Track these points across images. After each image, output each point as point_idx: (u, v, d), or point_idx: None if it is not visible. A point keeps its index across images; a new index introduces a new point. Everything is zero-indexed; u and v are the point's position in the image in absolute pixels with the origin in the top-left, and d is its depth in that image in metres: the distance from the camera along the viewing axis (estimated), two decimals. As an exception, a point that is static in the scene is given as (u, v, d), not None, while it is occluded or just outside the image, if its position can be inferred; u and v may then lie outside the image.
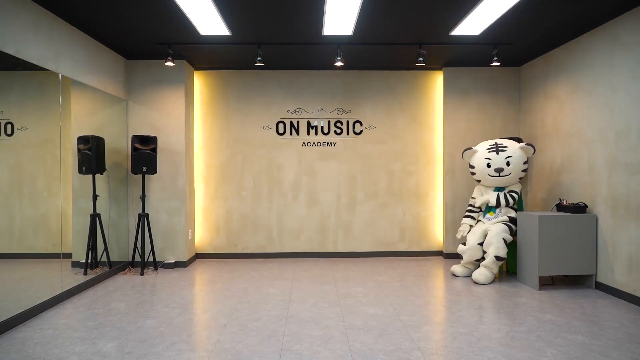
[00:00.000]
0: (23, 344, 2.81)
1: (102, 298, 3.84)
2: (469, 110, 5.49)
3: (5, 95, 3.31)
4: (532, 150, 4.40)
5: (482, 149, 4.61)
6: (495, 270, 4.32)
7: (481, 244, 4.40)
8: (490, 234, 4.31)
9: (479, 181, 4.72)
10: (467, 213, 4.79)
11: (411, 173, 5.62)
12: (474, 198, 4.79)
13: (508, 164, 4.43)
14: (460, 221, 5.43)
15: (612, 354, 2.63)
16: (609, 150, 3.89)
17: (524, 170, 4.51)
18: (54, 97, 3.71)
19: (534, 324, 3.15)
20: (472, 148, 4.65)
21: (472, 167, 4.67)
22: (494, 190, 4.62)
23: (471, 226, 4.71)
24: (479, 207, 4.75)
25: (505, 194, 4.51)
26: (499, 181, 4.52)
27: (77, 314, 3.40)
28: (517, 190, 4.56)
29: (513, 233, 4.42)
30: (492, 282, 4.33)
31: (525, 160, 4.47)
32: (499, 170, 4.44)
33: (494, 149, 4.50)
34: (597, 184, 4.05)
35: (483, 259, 4.54)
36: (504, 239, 4.25)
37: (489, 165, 4.50)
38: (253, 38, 4.37)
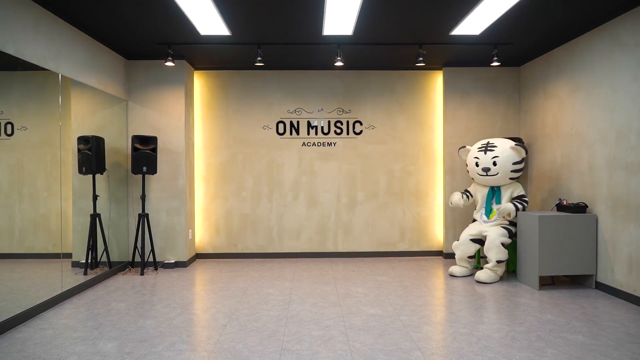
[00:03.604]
0: (23, 344, 2.81)
1: (102, 298, 3.84)
2: (469, 110, 5.49)
3: (5, 95, 3.31)
4: (524, 151, 4.39)
5: (474, 148, 4.69)
6: (500, 271, 4.35)
7: (473, 240, 4.44)
8: (488, 239, 4.32)
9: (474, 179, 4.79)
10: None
11: (411, 173, 5.62)
12: (467, 191, 4.84)
13: (495, 163, 4.45)
14: (460, 221, 5.44)
15: (612, 354, 2.63)
16: (609, 150, 3.89)
17: (516, 171, 4.48)
18: (54, 97, 3.70)
19: (534, 324, 3.15)
20: (465, 147, 4.74)
21: (467, 165, 4.79)
22: (489, 190, 4.63)
23: (464, 196, 4.75)
24: (471, 194, 4.82)
25: (516, 203, 4.41)
26: (489, 180, 4.54)
27: (77, 314, 3.40)
28: (521, 191, 4.54)
29: (512, 235, 4.42)
30: (497, 281, 4.35)
31: (517, 160, 4.44)
32: (486, 170, 4.49)
33: (483, 149, 4.56)
34: (597, 184, 4.05)
35: (481, 256, 4.57)
36: (502, 243, 4.27)
37: (477, 165, 4.58)
38: (253, 38, 4.37)
